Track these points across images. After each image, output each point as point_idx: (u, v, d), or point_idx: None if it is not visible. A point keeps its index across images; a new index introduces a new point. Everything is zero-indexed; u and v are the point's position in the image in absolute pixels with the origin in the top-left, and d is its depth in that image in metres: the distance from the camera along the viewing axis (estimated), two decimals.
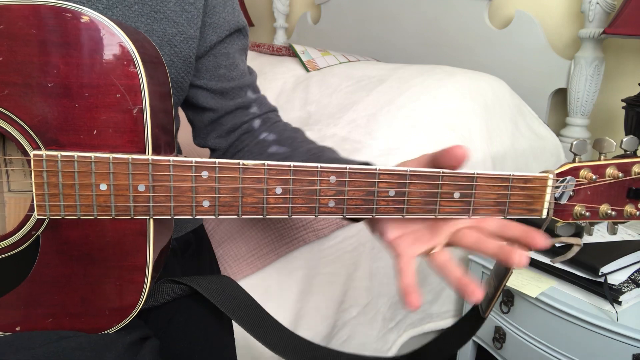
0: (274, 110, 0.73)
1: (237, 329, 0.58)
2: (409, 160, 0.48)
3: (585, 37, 1.24)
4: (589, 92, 1.27)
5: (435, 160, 0.45)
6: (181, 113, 0.72)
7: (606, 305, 0.84)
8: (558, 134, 1.36)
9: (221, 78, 0.66)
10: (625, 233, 1.00)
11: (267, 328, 0.54)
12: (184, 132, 0.76)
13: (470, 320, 0.54)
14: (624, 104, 1.15)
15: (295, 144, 0.65)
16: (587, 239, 0.95)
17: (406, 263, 0.45)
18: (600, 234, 0.97)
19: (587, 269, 0.87)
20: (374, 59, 1.72)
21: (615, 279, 0.86)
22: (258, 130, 0.69)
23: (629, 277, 0.87)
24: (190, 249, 0.73)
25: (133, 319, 0.46)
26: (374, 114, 1.20)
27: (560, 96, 1.41)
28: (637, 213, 0.48)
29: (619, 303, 0.83)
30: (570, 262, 0.90)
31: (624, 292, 0.83)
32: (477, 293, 0.40)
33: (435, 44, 1.65)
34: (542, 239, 0.42)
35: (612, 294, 0.84)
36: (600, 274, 0.85)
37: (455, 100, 1.20)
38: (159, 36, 0.57)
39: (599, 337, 0.82)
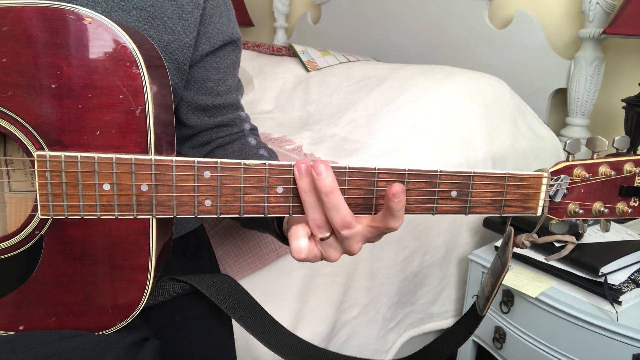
0: (256, 128, 0.73)
1: (237, 329, 0.58)
2: None
3: (585, 37, 1.24)
4: (589, 92, 1.27)
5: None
6: None
7: (606, 305, 0.84)
8: (558, 134, 1.36)
9: (208, 92, 0.65)
10: (625, 233, 1.00)
11: (266, 328, 0.55)
12: None
13: (468, 320, 0.55)
14: (624, 104, 1.15)
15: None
16: (587, 238, 0.95)
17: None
18: (600, 234, 0.97)
19: (587, 269, 0.88)
20: (374, 59, 1.72)
21: (615, 279, 0.86)
22: (248, 136, 0.69)
23: (629, 277, 0.88)
24: (191, 249, 0.73)
25: (134, 319, 0.46)
26: (374, 114, 1.20)
27: (560, 96, 1.41)
28: (629, 210, 0.49)
29: (619, 303, 0.83)
30: (570, 262, 0.90)
31: (624, 292, 0.83)
32: None
33: (435, 44, 1.66)
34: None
35: (612, 294, 0.84)
36: (600, 274, 0.85)
37: (455, 100, 1.20)
38: (155, 42, 0.58)
39: (599, 337, 0.82)
